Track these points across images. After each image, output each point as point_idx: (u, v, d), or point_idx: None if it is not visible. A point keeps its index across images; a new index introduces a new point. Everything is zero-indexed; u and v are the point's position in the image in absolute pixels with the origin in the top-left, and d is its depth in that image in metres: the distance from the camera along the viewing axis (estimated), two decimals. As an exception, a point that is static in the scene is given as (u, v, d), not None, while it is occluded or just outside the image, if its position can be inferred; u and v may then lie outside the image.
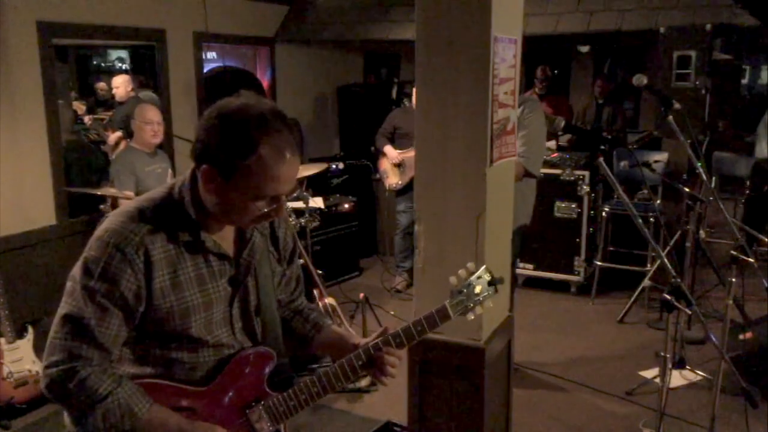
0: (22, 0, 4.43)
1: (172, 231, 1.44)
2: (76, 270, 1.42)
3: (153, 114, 4.17)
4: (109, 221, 1.44)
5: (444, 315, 1.60)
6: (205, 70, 6.10)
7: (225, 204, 1.42)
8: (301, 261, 4.04)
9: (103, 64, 8.76)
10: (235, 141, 1.34)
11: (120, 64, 8.52)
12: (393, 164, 5.41)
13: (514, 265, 4.04)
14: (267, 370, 1.60)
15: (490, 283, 1.60)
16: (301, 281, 1.83)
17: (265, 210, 1.43)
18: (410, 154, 5.29)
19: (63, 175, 4.71)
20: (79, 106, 6.31)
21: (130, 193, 3.89)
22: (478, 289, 1.59)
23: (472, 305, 1.60)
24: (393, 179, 5.46)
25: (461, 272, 1.60)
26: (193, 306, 1.47)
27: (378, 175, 5.65)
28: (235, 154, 1.35)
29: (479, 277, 1.59)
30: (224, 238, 1.53)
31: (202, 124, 1.40)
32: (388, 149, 5.42)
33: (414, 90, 5.29)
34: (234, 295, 1.55)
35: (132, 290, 1.40)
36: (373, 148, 5.67)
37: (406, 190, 5.43)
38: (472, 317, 1.60)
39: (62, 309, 1.42)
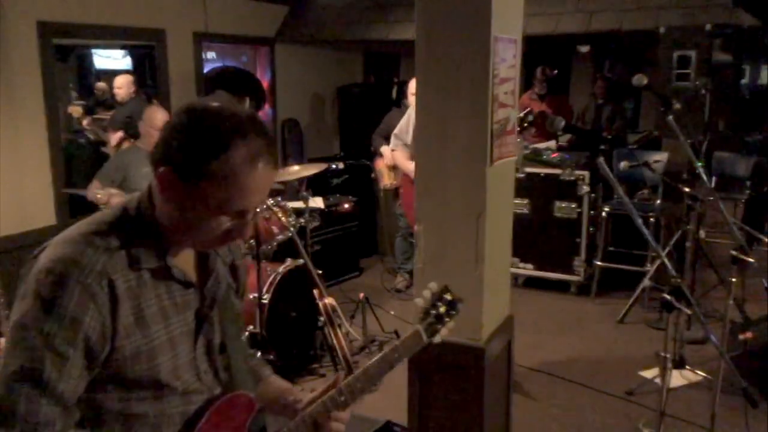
0: (22, 0, 4.43)
1: (134, 255, 1.23)
2: (24, 312, 1.16)
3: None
4: (58, 249, 1.19)
5: (418, 341, 1.49)
6: (205, 70, 6.11)
7: (182, 217, 1.23)
8: (301, 261, 4.04)
9: (102, 66, 8.75)
10: (202, 140, 1.18)
11: (115, 65, 8.50)
12: (388, 165, 5.40)
13: None
14: (249, 419, 1.40)
15: (452, 303, 1.51)
16: (243, 319, 1.62)
17: (228, 226, 1.24)
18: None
19: (63, 175, 4.71)
20: (76, 109, 6.28)
21: (113, 191, 3.81)
22: (442, 310, 1.51)
23: (439, 327, 1.50)
24: (386, 180, 5.46)
25: (426, 292, 1.51)
26: (160, 345, 1.26)
27: (373, 175, 5.66)
28: (200, 156, 1.17)
29: (442, 298, 1.51)
30: (185, 264, 1.33)
31: (168, 123, 1.24)
32: (385, 149, 5.41)
33: (408, 90, 5.30)
34: (198, 332, 1.35)
35: (97, 330, 1.17)
36: (372, 149, 5.68)
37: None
38: (438, 340, 1.51)
39: (9, 365, 1.14)
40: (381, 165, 5.52)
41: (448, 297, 1.51)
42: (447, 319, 1.50)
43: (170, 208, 1.24)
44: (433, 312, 1.50)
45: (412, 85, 5.30)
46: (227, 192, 1.19)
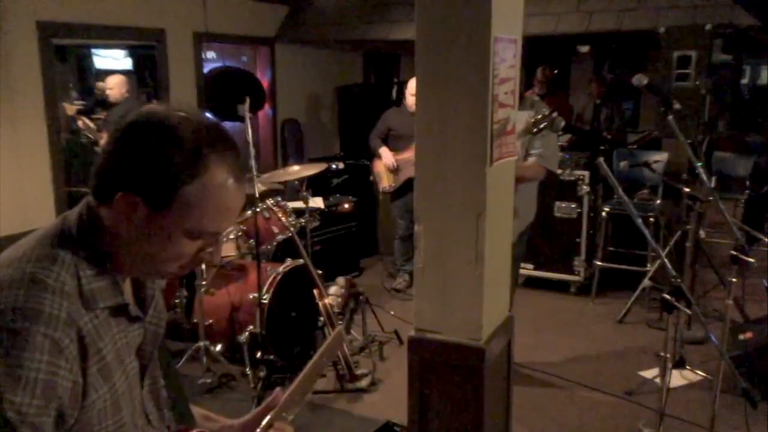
0: (22, 0, 4.43)
1: (88, 294, 1.05)
2: None
3: None
4: (4, 296, 0.97)
5: (341, 341, 1.46)
6: (205, 70, 6.11)
7: (145, 245, 1.07)
8: (301, 261, 4.04)
9: (102, 66, 8.77)
10: (175, 160, 1.02)
11: (115, 65, 8.51)
12: (387, 166, 5.38)
13: (519, 265, 4.03)
14: None
15: (358, 297, 1.56)
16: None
17: (200, 253, 1.11)
18: (405, 156, 5.26)
19: (63, 175, 4.72)
20: (70, 108, 6.26)
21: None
22: (353, 305, 1.53)
23: (352, 323, 1.52)
24: (385, 182, 5.42)
25: (336, 290, 1.54)
26: (123, 394, 1.10)
27: (372, 177, 5.63)
28: (174, 179, 1.02)
29: (351, 293, 1.55)
30: (129, 295, 1.17)
31: (116, 137, 1.05)
32: (384, 151, 5.38)
33: (407, 90, 5.29)
34: (144, 371, 1.19)
35: (69, 390, 0.99)
36: (370, 150, 5.67)
37: (400, 194, 5.41)
38: (348, 335, 1.55)
39: None
40: (379, 167, 5.48)
41: (354, 291, 1.53)
42: (356, 314, 1.52)
43: (130, 237, 1.06)
44: (348, 308, 1.51)
45: (411, 85, 5.28)
46: (203, 214, 1.05)
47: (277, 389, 1.35)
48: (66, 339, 0.98)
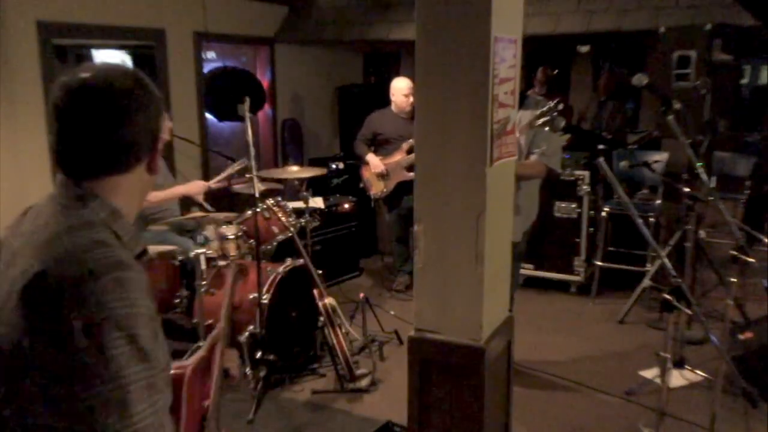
0: (22, 0, 4.44)
1: (128, 244, 1.21)
2: (136, 325, 1.10)
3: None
4: (97, 256, 1.11)
5: (241, 273, 1.74)
6: (205, 70, 6.10)
7: (155, 175, 1.30)
8: (301, 261, 4.04)
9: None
10: (152, 107, 1.24)
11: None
12: (376, 174, 5.34)
13: (520, 264, 4.01)
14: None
15: (245, 235, 1.75)
16: None
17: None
18: (394, 160, 5.23)
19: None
20: None
21: None
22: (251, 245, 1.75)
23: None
24: (375, 189, 5.35)
25: (223, 227, 1.72)
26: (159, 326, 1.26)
27: (362, 184, 5.53)
28: (157, 119, 1.25)
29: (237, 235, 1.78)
30: None
31: (93, 114, 1.17)
32: (371, 158, 5.29)
33: (392, 92, 5.25)
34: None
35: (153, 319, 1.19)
36: (357, 155, 5.57)
37: (394, 201, 5.38)
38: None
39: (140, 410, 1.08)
40: (368, 174, 5.39)
41: (243, 231, 1.73)
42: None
43: (152, 179, 1.29)
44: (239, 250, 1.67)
45: (398, 85, 5.24)
46: (162, 134, 1.29)
47: (212, 331, 1.63)
48: (143, 280, 1.15)
